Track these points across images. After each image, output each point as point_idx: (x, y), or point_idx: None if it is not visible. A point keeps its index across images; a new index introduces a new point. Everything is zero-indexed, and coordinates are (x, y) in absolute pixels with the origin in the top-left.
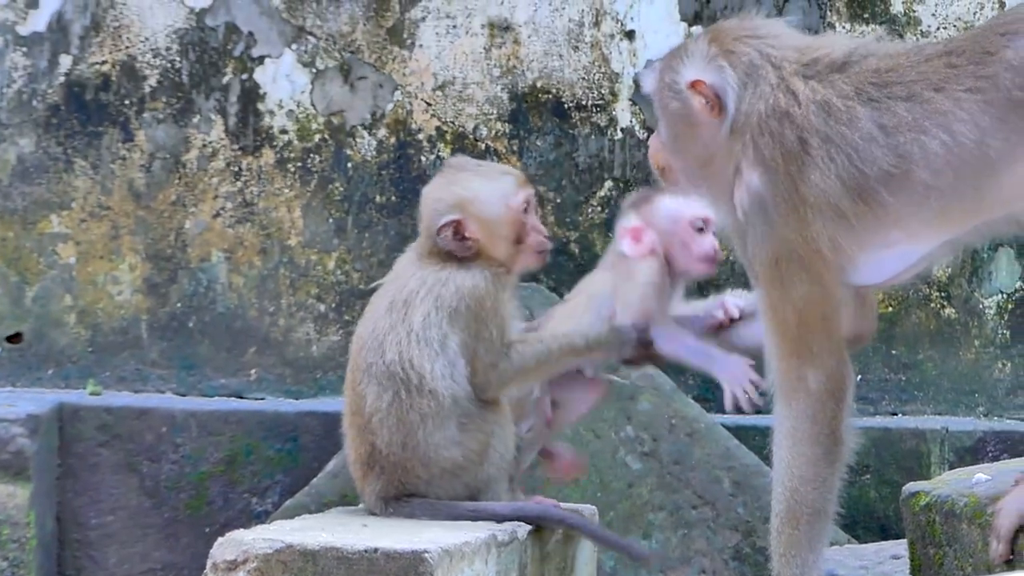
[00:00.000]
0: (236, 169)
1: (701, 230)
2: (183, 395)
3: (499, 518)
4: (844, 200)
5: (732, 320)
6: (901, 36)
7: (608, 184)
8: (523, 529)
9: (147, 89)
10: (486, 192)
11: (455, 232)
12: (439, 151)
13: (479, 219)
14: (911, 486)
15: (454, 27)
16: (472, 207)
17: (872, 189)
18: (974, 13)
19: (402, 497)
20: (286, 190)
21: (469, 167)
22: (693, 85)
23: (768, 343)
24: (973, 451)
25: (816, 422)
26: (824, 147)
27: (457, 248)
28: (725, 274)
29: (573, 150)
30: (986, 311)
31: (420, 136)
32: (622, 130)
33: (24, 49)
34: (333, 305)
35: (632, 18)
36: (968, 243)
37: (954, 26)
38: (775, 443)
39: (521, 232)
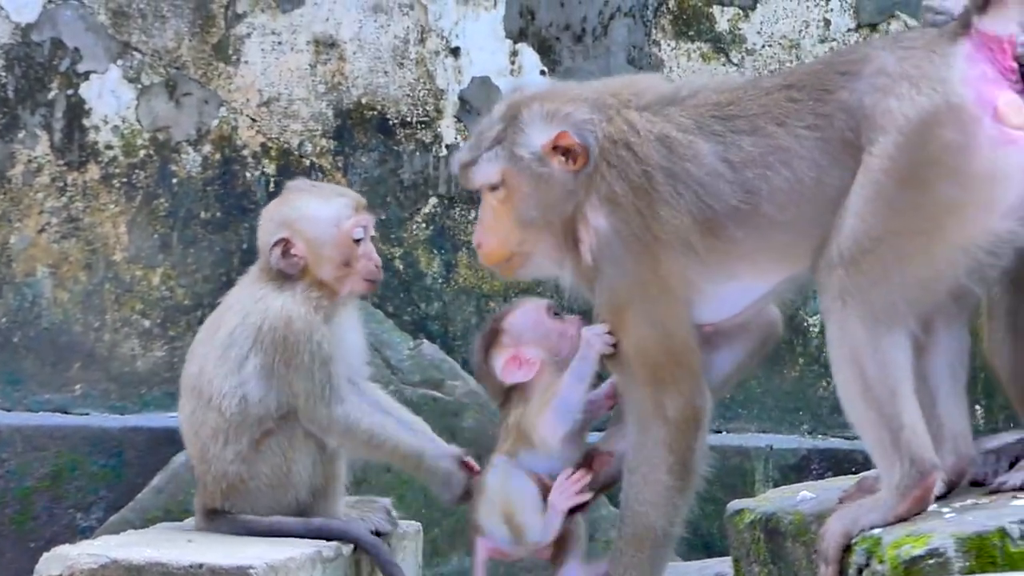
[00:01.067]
0: (61, 184)
1: (556, 313)
2: (8, 410)
3: (297, 535)
4: (694, 235)
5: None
6: (727, 54)
7: (433, 201)
8: (348, 546)
9: None
10: (316, 212)
11: (284, 251)
12: (264, 167)
13: (306, 238)
14: (735, 503)
15: (279, 43)
16: (299, 226)
17: (721, 224)
18: (799, 31)
19: (214, 512)
20: (111, 205)
21: (305, 188)
22: (557, 139)
23: (624, 370)
24: (797, 469)
25: (672, 451)
26: (670, 183)
27: (285, 266)
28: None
29: (398, 167)
30: (811, 329)
31: (245, 152)
32: (447, 147)
33: None
34: (158, 321)
35: (457, 35)
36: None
37: (779, 43)
38: (627, 467)
39: (350, 256)
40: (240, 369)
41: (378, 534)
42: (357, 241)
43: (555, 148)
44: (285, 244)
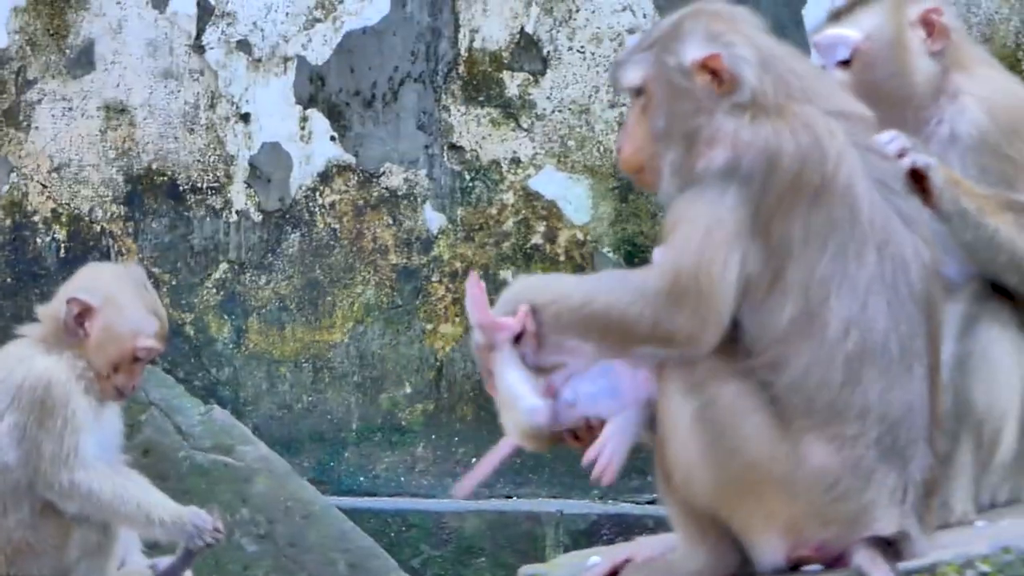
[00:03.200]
0: None
1: None
2: None
3: None
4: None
5: None
6: (516, 119)
7: (223, 266)
8: None
9: None
10: (129, 313)
11: (80, 315)
12: (55, 233)
13: (105, 323)
14: (526, 569)
15: (70, 109)
16: (109, 309)
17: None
18: (589, 96)
19: None
20: None
21: (139, 284)
22: (711, 57)
23: None
24: (588, 534)
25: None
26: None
27: (69, 326)
28: None
29: (188, 232)
30: None
31: (36, 218)
32: (237, 212)
33: None
34: None
35: (248, 101)
36: None
37: (569, 109)
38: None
39: (121, 366)
40: None
41: None
42: (136, 360)
43: (704, 63)
44: (87, 312)
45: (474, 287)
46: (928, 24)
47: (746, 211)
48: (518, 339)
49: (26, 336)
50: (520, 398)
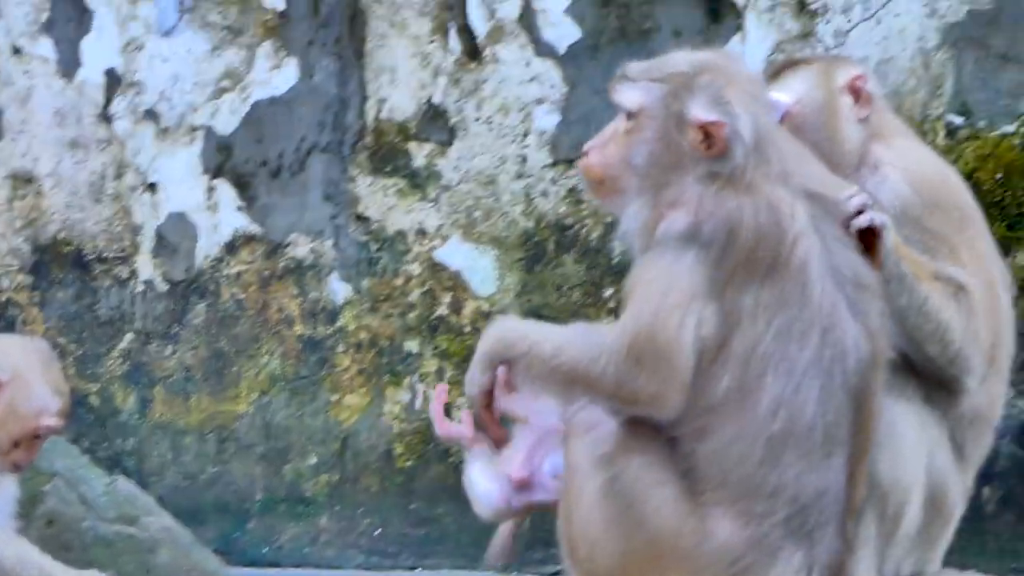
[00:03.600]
0: None
1: None
2: None
3: None
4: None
5: None
6: (423, 190)
7: (129, 336)
8: None
9: None
10: (35, 389)
11: None
12: None
13: (11, 399)
14: None
15: None
16: (16, 386)
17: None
18: (496, 167)
19: None
20: None
21: (46, 360)
22: (713, 124)
23: None
24: None
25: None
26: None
27: None
28: None
29: (94, 302)
30: None
31: None
32: (144, 282)
33: None
34: None
35: (155, 171)
36: None
37: (475, 180)
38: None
39: (21, 442)
40: None
41: None
42: (37, 437)
43: (705, 125)
44: None
45: (437, 397)
46: (855, 91)
47: (703, 275)
48: (491, 391)
49: None
50: (475, 487)
